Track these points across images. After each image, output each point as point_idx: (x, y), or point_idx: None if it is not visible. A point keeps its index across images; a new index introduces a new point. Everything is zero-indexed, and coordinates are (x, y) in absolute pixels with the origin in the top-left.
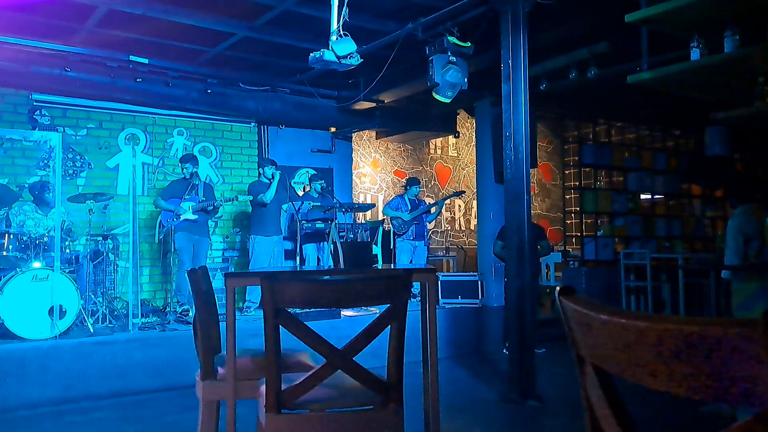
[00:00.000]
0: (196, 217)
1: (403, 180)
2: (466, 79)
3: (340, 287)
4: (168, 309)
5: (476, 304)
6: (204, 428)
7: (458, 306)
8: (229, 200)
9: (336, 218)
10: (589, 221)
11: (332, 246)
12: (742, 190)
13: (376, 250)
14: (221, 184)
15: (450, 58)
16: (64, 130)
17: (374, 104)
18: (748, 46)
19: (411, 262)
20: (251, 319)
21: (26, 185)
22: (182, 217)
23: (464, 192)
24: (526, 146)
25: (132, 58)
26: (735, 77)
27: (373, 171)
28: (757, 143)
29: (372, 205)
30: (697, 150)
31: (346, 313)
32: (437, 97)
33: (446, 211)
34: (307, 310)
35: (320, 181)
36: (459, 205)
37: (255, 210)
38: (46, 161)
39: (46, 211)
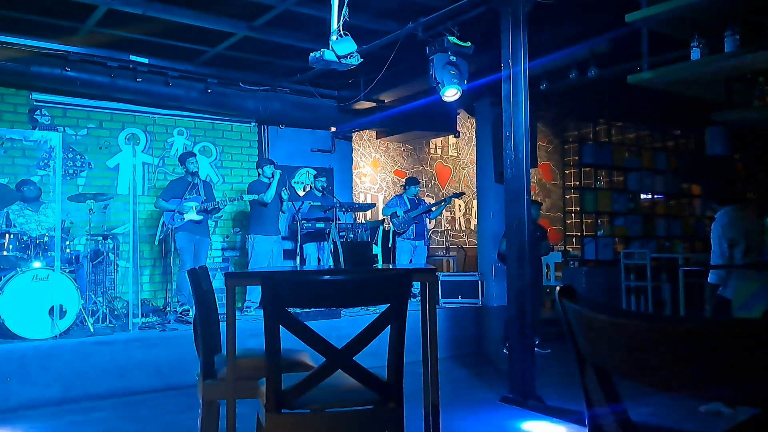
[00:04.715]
0: (201, 217)
1: (403, 180)
2: (465, 81)
3: (340, 287)
4: (168, 309)
5: (476, 304)
6: (204, 428)
7: (458, 306)
8: (233, 200)
9: (337, 218)
10: (589, 221)
11: (332, 246)
12: (723, 192)
13: (376, 249)
14: (221, 183)
15: (450, 58)
16: (64, 129)
17: (374, 104)
18: (748, 46)
19: (411, 261)
20: (251, 319)
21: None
22: (186, 218)
23: (464, 193)
24: (526, 146)
25: (132, 57)
26: (735, 77)
27: (373, 171)
28: (757, 143)
29: (372, 205)
30: (697, 150)
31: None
32: (444, 95)
33: (446, 211)
34: (307, 310)
35: (321, 179)
36: (459, 205)
37: (255, 209)
38: (46, 161)
39: (36, 208)
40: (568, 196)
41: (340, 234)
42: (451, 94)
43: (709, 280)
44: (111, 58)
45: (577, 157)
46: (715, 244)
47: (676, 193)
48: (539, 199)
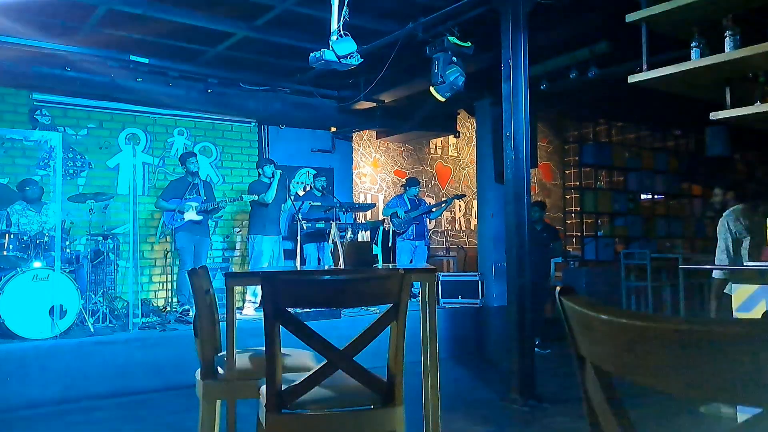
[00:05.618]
0: (201, 217)
1: (403, 180)
2: (463, 81)
3: (341, 287)
4: (168, 309)
5: (476, 304)
6: (204, 428)
7: (458, 306)
8: (233, 200)
9: (337, 218)
10: (589, 221)
11: (332, 246)
12: (736, 191)
13: (376, 249)
14: (221, 183)
15: (452, 58)
16: (64, 129)
17: (374, 104)
18: (748, 46)
19: (411, 261)
20: (251, 319)
21: (12, 185)
22: (186, 218)
23: (465, 195)
24: (527, 146)
25: (132, 57)
26: (735, 77)
27: (374, 171)
28: (757, 143)
29: (372, 205)
30: (697, 150)
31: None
32: (435, 93)
33: (446, 211)
34: (307, 310)
35: (321, 179)
36: (459, 205)
37: (255, 210)
38: (46, 161)
39: (38, 208)
40: (568, 196)
41: (340, 234)
42: (447, 95)
43: (713, 275)
44: (111, 58)
45: (577, 157)
46: (720, 240)
47: (676, 193)
48: (540, 199)
